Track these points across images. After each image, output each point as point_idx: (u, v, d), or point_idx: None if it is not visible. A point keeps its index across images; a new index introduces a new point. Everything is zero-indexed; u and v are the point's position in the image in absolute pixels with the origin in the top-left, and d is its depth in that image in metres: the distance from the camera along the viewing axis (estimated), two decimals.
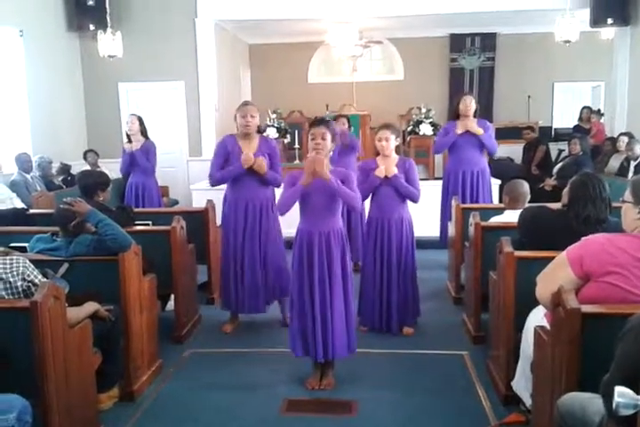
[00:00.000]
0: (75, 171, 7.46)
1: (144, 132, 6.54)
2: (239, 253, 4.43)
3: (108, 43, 8.25)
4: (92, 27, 8.45)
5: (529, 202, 4.32)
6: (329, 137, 3.46)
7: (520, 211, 4.09)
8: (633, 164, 7.02)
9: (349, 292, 3.55)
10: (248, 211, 4.40)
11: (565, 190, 3.33)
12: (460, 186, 5.78)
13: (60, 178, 7.58)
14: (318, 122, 3.55)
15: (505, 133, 10.13)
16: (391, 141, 4.27)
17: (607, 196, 3.18)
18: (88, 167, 7.61)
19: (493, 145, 5.75)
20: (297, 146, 8.73)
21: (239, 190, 4.42)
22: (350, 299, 3.57)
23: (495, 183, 7.22)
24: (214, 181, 4.49)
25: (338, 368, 3.70)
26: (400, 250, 4.35)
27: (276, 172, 4.43)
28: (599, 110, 10.24)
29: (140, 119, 6.54)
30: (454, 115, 5.80)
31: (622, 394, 1.31)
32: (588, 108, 10.45)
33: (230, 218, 4.47)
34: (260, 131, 4.70)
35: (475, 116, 5.71)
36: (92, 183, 4.29)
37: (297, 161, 8.65)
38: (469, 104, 5.64)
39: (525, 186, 4.34)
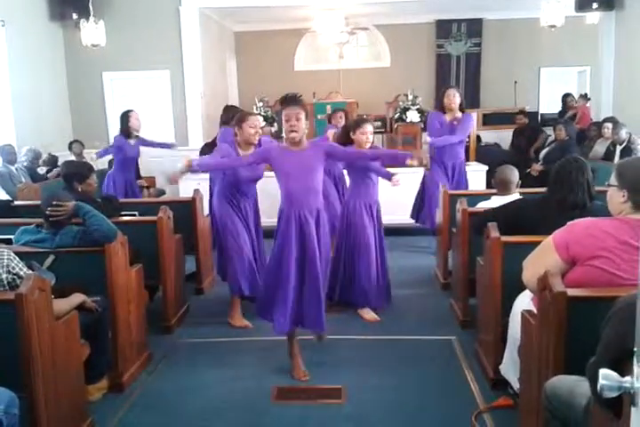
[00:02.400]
0: (60, 162, 7.40)
1: None
2: (246, 240, 4.43)
3: (91, 31, 8.17)
4: (74, 15, 8.36)
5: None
6: (304, 116, 3.39)
7: (507, 197, 4.14)
8: (619, 148, 7.04)
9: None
10: (250, 204, 4.48)
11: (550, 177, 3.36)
12: (444, 177, 5.85)
13: (45, 169, 7.51)
14: (289, 100, 3.42)
15: (492, 119, 10.14)
16: (372, 136, 4.42)
17: (588, 180, 3.19)
18: (73, 158, 7.55)
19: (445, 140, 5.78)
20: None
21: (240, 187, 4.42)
22: None
23: (482, 169, 7.24)
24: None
25: (326, 354, 3.71)
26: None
27: None
28: (586, 94, 10.26)
29: None
30: (440, 108, 5.84)
31: (607, 376, 1.31)
32: (570, 95, 10.47)
33: (232, 211, 4.44)
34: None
35: (461, 110, 5.74)
36: (68, 174, 4.32)
37: None
38: (453, 98, 5.66)
39: (515, 173, 4.33)
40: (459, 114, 5.72)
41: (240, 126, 4.25)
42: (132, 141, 6.39)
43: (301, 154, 3.45)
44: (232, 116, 5.51)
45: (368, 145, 4.38)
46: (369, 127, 4.37)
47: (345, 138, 4.46)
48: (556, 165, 3.31)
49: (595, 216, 2.97)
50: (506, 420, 2.99)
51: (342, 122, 6.34)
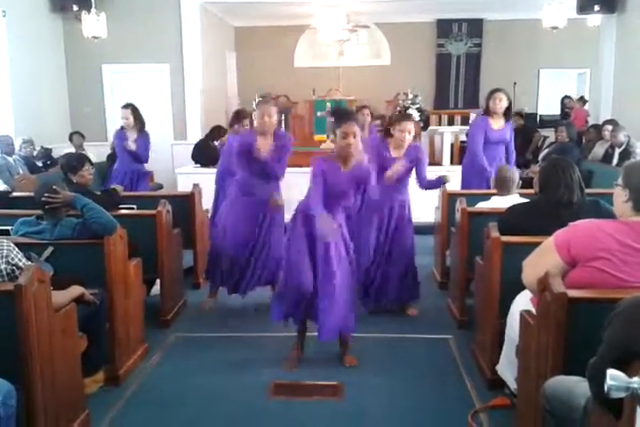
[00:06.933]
0: (57, 153, 7.38)
1: (141, 123, 6.12)
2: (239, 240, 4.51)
3: (92, 24, 8.12)
4: (75, 7, 8.31)
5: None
6: (359, 132, 3.45)
7: (506, 197, 4.15)
8: (617, 150, 7.04)
9: None
10: (258, 210, 4.49)
11: (536, 178, 3.39)
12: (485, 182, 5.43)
13: (41, 162, 7.48)
14: (346, 116, 3.48)
15: None
16: (412, 134, 4.30)
17: (579, 177, 3.24)
18: (73, 150, 7.52)
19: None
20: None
21: (251, 191, 4.48)
22: None
23: None
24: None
25: (324, 352, 3.71)
26: (401, 232, 4.44)
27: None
28: (582, 97, 10.28)
29: (133, 110, 6.05)
30: (485, 110, 5.50)
31: (615, 377, 1.31)
32: (569, 97, 10.49)
33: (235, 213, 4.54)
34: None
35: (506, 116, 5.44)
36: (62, 166, 4.37)
37: None
38: (499, 102, 5.31)
39: (516, 173, 4.33)
40: (502, 120, 5.42)
41: (254, 115, 4.42)
42: (130, 136, 6.09)
43: (345, 175, 3.52)
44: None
45: (406, 144, 4.27)
46: (409, 125, 4.24)
47: (386, 133, 4.47)
48: (545, 166, 3.37)
49: (589, 210, 3.00)
50: (502, 420, 2.99)
51: (368, 119, 5.98)
